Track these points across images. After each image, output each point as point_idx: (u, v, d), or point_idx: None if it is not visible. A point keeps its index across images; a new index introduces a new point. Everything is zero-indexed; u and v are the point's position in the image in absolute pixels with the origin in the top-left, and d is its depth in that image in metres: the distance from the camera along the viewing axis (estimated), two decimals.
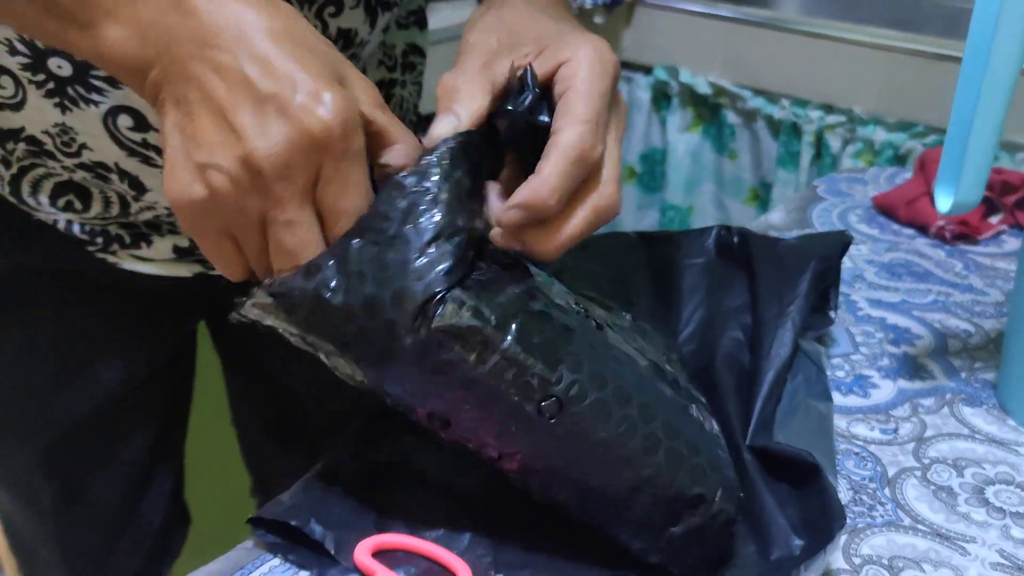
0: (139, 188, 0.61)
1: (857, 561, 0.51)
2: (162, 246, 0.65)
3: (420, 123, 0.79)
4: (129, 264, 0.66)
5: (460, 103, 0.46)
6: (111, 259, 0.65)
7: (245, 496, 0.96)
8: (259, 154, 0.40)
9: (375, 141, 0.44)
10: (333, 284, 0.42)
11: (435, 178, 0.44)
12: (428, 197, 0.43)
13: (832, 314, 0.67)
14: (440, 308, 0.42)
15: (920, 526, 0.53)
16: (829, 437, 0.57)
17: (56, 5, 0.42)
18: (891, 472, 0.57)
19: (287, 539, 0.50)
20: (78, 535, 0.77)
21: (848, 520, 0.53)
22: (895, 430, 0.61)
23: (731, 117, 1.83)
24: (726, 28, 1.78)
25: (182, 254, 0.66)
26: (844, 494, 0.55)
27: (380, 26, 0.63)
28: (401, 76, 0.73)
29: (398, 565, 0.48)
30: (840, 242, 0.68)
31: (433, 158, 0.44)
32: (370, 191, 0.43)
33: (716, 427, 0.51)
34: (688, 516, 0.46)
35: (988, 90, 0.53)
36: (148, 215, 0.63)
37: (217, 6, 0.41)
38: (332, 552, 0.49)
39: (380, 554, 0.49)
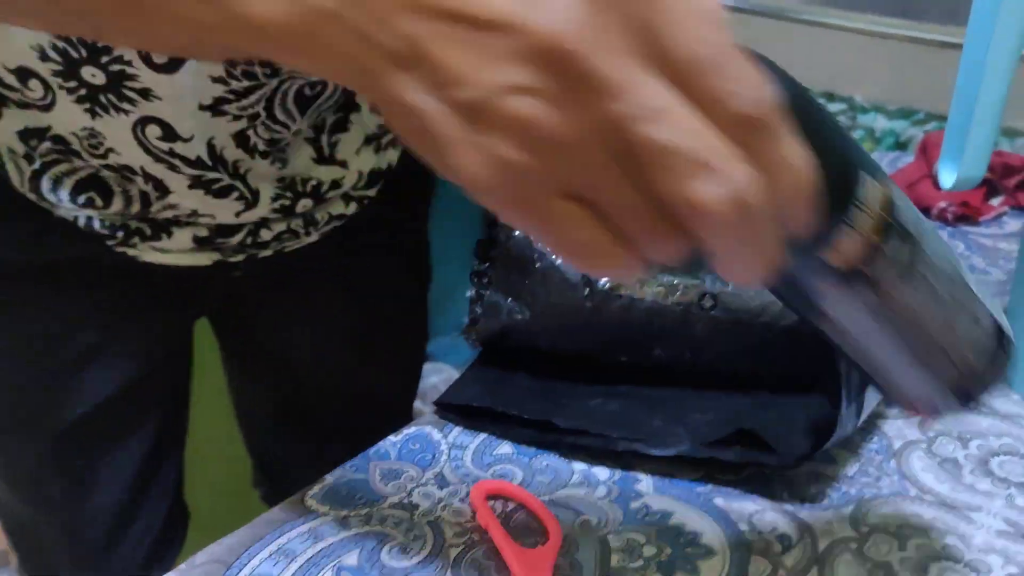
0: (163, 190, 0.62)
1: (865, 530, 0.51)
2: (181, 237, 0.65)
3: None
4: (148, 256, 0.66)
5: None
6: (131, 252, 0.66)
7: (244, 488, 0.97)
8: (544, 32, 0.26)
9: None
10: None
11: None
12: None
13: None
14: None
15: (926, 496, 0.54)
16: None
17: None
18: (896, 445, 0.58)
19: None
20: (86, 528, 0.77)
21: (854, 491, 0.54)
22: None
23: None
24: (726, 17, 1.79)
25: (201, 244, 0.66)
26: (850, 466, 0.56)
27: None
28: None
29: (502, 512, 0.53)
30: None
31: None
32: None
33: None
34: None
35: (992, 64, 0.53)
36: (169, 213, 0.63)
37: None
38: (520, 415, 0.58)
39: (493, 497, 0.55)
